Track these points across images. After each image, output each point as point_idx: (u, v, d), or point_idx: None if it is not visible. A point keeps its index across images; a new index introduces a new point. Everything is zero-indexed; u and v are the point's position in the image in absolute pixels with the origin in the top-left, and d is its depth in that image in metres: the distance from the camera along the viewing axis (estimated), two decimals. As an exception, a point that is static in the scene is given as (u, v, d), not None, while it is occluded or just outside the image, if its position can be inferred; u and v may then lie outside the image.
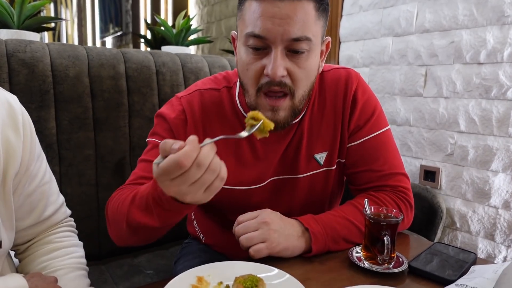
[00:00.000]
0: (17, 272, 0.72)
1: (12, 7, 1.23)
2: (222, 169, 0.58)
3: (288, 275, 0.61)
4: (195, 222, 1.06)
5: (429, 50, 1.53)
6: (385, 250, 0.65)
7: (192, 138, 0.54)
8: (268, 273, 0.63)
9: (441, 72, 1.49)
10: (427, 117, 1.55)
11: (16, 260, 0.77)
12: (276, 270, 0.63)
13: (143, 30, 4.38)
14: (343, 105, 0.86)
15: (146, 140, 0.88)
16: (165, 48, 1.57)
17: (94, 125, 1.15)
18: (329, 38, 0.82)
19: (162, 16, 3.81)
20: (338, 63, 1.92)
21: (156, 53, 1.32)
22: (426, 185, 1.57)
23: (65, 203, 0.79)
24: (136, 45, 4.46)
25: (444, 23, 1.47)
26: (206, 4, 3.20)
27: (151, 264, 1.20)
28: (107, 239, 1.21)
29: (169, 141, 0.54)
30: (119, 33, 5.07)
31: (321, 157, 0.87)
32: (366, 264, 0.69)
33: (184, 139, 0.56)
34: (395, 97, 1.67)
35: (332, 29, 1.91)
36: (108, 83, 1.17)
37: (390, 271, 0.67)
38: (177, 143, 0.54)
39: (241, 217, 0.74)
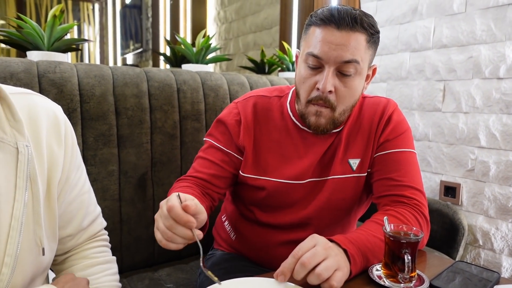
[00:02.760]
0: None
1: (42, 30, 1.30)
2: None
3: None
4: (226, 222, 1.12)
5: (447, 65, 1.52)
6: (406, 269, 0.65)
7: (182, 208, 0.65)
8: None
9: (460, 87, 1.49)
10: (447, 132, 1.54)
11: (52, 274, 0.81)
12: (292, 285, 0.64)
13: (162, 46, 4.50)
14: (378, 121, 0.96)
15: (204, 139, 1.02)
16: (186, 66, 1.61)
17: (118, 141, 1.20)
18: (375, 65, 0.94)
19: (181, 33, 3.92)
20: (355, 79, 1.93)
21: (177, 71, 1.37)
22: (447, 201, 1.54)
23: (101, 214, 0.83)
24: (156, 62, 4.57)
25: (462, 38, 1.47)
26: (224, 21, 3.28)
27: (171, 277, 1.22)
28: (129, 252, 1.25)
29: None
30: (139, 50, 5.23)
31: (354, 162, 0.96)
32: (387, 283, 0.69)
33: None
34: (414, 112, 1.66)
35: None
36: (132, 101, 1.21)
37: (411, 289, 0.66)
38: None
39: (298, 250, 0.68)
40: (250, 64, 2.07)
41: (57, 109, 0.71)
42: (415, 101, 1.65)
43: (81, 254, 0.78)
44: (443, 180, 1.57)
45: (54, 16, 1.22)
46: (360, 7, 1.87)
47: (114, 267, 0.80)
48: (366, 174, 0.96)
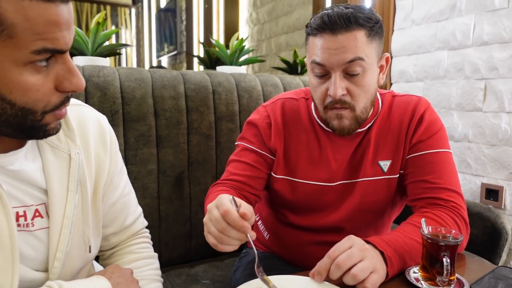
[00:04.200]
0: None
1: (86, 36, 1.38)
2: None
3: None
4: (259, 222, 1.13)
5: (488, 63, 1.47)
6: (445, 272, 0.64)
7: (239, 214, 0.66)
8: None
9: (503, 86, 1.43)
10: (488, 133, 1.48)
11: (98, 266, 0.86)
12: (328, 284, 0.65)
13: (196, 49, 4.60)
14: (409, 121, 0.93)
15: (235, 143, 1.04)
16: (220, 68, 1.65)
17: (157, 141, 1.25)
18: (387, 54, 0.91)
19: (214, 35, 3.99)
20: (390, 78, 1.89)
21: (212, 73, 1.40)
22: (488, 205, 1.48)
23: (142, 214, 0.87)
24: (190, 64, 4.68)
25: (505, 34, 1.41)
26: (256, 23, 3.31)
27: (207, 274, 1.25)
28: (167, 249, 1.29)
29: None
30: (173, 53, 5.36)
31: (385, 164, 0.94)
32: (425, 285, 0.68)
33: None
34: (452, 112, 1.61)
35: (383, 44, 1.90)
36: (170, 103, 1.26)
37: (451, 293, 0.65)
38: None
39: (334, 251, 0.69)
40: (283, 65, 2.08)
41: (103, 119, 0.77)
42: (454, 100, 1.60)
43: (126, 250, 0.83)
44: (484, 183, 1.51)
45: (98, 23, 1.28)
46: (395, 5, 1.84)
47: (156, 263, 0.85)
48: (398, 175, 0.94)
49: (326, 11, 0.84)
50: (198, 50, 4.52)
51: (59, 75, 0.55)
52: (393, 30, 1.87)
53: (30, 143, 0.64)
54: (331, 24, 0.81)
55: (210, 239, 0.68)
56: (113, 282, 0.64)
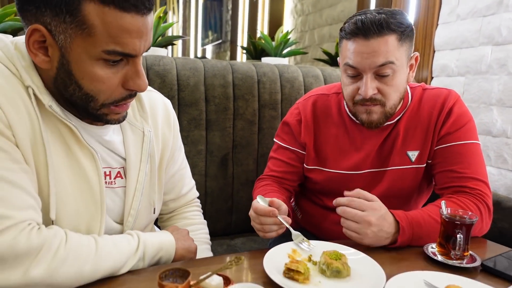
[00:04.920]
0: None
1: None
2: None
3: (363, 254, 0.75)
4: (293, 203, 1.26)
5: (532, 59, 1.47)
6: (457, 246, 0.73)
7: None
8: (347, 251, 0.76)
9: (546, 83, 1.43)
10: (527, 129, 1.49)
11: (157, 229, 1.03)
12: (353, 250, 0.77)
13: (240, 38, 4.73)
14: (438, 114, 0.99)
15: (274, 140, 1.17)
16: (265, 59, 1.76)
17: (206, 125, 1.39)
18: (416, 54, 0.98)
19: (259, 25, 4.09)
20: (431, 72, 1.91)
21: (257, 64, 1.52)
22: (523, 200, 1.50)
23: (195, 187, 1.03)
24: (233, 53, 4.82)
25: (551, 31, 1.41)
26: (300, 14, 3.37)
27: (245, 246, 1.39)
28: (211, 221, 1.44)
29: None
30: (218, 41, 5.53)
31: (413, 154, 1.01)
32: (440, 258, 0.77)
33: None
34: (492, 108, 1.63)
35: (426, 38, 1.92)
36: (219, 91, 1.39)
37: (463, 265, 0.74)
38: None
39: (356, 202, 0.81)
40: (325, 57, 2.15)
41: (168, 103, 0.93)
42: (494, 96, 1.61)
43: (181, 216, 0.99)
44: (520, 178, 1.52)
45: (159, 17, 1.44)
46: (441, 2, 1.85)
47: (206, 228, 1.00)
48: (425, 165, 1.01)
49: (360, 17, 0.90)
50: (242, 40, 4.64)
51: (127, 75, 0.66)
52: (437, 25, 1.88)
53: None
54: (364, 30, 0.88)
55: (258, 233, 0.89)
56: (175, 237, 0.79)
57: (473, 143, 0.96)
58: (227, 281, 0.60)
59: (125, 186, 0.79)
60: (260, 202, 0.87)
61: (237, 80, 1.43)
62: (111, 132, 0.77)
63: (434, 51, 1.90)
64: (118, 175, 0.78)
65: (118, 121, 0.72)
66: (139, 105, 0.83)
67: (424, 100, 1.02)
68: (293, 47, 2.63)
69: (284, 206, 0.87)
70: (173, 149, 0.92)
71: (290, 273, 0.65)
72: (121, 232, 0.79)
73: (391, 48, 0.89)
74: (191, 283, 0.53)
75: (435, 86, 1.05)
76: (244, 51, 2.07)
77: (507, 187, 1.57)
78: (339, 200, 0.83)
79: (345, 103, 1.07)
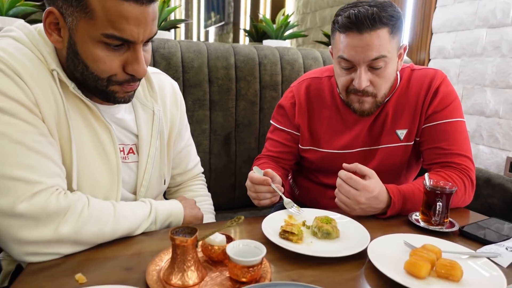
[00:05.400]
0: None
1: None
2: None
3: (351, 219, 0.84)
4: (291, 180, 1.34)
5: (525, 42, 1.51)
6: (436, 213, 0.81)
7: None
8: (335, 216, 0.85)
9: (537, 65, 1.48)
10: (518, 110, 1.55)
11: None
12: (339, 215, 0.87)
13: (242, 20, 4.74)
14: (425, 94, 1.05)
15: (270, 121, 1.24)
16: (266, 42, 1.81)
17: (210, 105, 1.46)
18: (405, 44, 1.03)
19: (261, 6, 4.10)
20: (429, 54, 1.96)
21: (259, 47, 1.57)
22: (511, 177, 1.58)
23: (200, 163, 1.12)
24: (236, 35, 4.83)
25: (544, 14, 1.45)
26: (302, -5, 3.38)
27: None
28: (215, 196, 1.53)
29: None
30: (221, 23, 5.53)
31: (401, 133, 1.08)
32: (422, 224, 0.85)
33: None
34: (485, 89, 1.68)
35: (424, 21, 1.96)
36: (222, 72, 1.46)
37: (443, 230, 0.82)
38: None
39: (352, 180, 0.86)
40: (325, 39, 2.19)
41: (175, 84, 1.00)
42: (488, 77, 1.67)
43: (187, 188, 1.07)
44: (510, 157, 1.59)
45: (164, 1, 1.49)
46: (439, -18, 1.88)
47: (210, 200, 1.09)
48: (413, 142, 1.08)
49: (353, 10, 0.92)
50: (245, 22, 4.65)
51: (127, 60, 0.71)
52: (435, 7, 1.92)
53: None
54: (357, 24, 0.91)
55: (253, 201, 0.96)
56: (183, 205, 0.88)
57: (458, 120, 1.03)
58: (229, 239, 0.68)
59: (137, 161, 0.87)
60: (255, 172, 0.94)
61: (239, 62, 1.49)
62: (123, 111, 0.85)
63: (432, 34, 1.95)
64: (131, 151, 0.86)
65: (125, 101, 0.78)
66: (149, 86, 0.91)
67: (412, 81, 1.08)
68: (295, 29, 2.67)
69: (278, 177, 0.95)
70: (180, 127, 1.00)
71: (285, 234, 0.74)
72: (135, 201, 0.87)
73: (384, 42, 0.93)
74: (198, 238, 0.62)
75: (422, 67, 1.10)
76: (246, 34, 2.12)
77: (498, 165, 1.65)
78: (340, 173, 0.88)
79: (337, 87, 1.13)
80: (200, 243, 0.63)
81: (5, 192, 0.63)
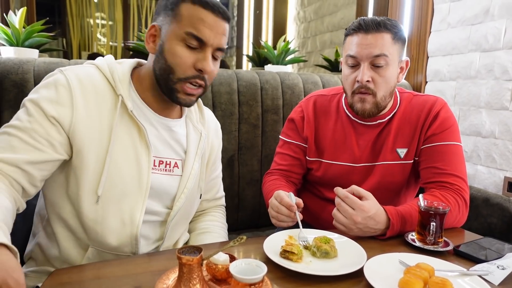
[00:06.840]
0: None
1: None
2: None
3: (346, 238, 0.88)
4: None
5: (517, 65, 1.57)
6: (431, 233, 0.84)
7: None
8: (333, 236, 0.89)
9: (529, 87, 1.53)
10: (513, 130, 1.59)
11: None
12: (337, 235, 0.90)
13: (245, 44, 4.87)
14: (426, 116, 1.13)
15: (279, 137, 1.31)
16: (268, 67, 1.89)
17: (213, 129, 1.52)
18: (407, 59, 1.14)
19: (264, 31, 4.22)
20: (425, 77, 2.03)
21: (261, 72, 1.64)
22: (510, 197, 1.60)
23: (224, 197, 1.20)
24: (239, 58, 4.96)
25: (533, 39, 1.51)
26: (303, 21, 3.50)
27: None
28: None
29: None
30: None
31: (402, 151, 1.15)
32: (418, 243, 0.88)
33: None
34: (481, 110, 1.73)
35: (420, 45, 2.03)
36: (225, 97, 1.52)
37: (437, 249, 0.85)
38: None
39: (349, 199, 0.90)
40: (325, 63, 2.27)
41: (218, 123, 1.15)
42: (483, 99, 1.72)
43: (210, 213, 1.17)
44: (507, 177, 1.63)
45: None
46: (433, 9, 1.96)
47: (226, 228, 1.16)
48: (412, 161, 1.13)
49: (363, 18, 1.08)
50: (248, 46, 4.78)
51: (198, 58, 0.86)
52: (430, 32, 2.00)
53: (183, 119, 0.99)
54: (365, 26, 1.06)
55: (272, 219, 1.00)
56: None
57: (455, 144, 1.09)
58: (232, 258, 0.72)
59: (181, 175, 0.97)
60: (289, 197, 0.97)
61: (241, 87, 1.56)
62: (178, 126, 0.97)
63: (427, 57, 2.02)
64: (176, 165, 0.96)
65: (186, 103, 0.90)
66: (201, 114, 1.06)
67: (413, 104, 1.16)
68: (296, 54, 2.76)
69: (302, 206, 0.98)
70: (217, 156, 1.12)
71: (286, 253, 0.78)
72: (163, 218, 0.95)
73: (386, 43, 1.05)
74: (203, 257, 0.66)
75: (424, 94, 1.19)
76: (248, 59, 2.20)
77: (496, 185, 1.68)
78: (338, 190, 0.93)
79: (343, 101, 1.21)
80: (204, 262, 0.67)
81: None
